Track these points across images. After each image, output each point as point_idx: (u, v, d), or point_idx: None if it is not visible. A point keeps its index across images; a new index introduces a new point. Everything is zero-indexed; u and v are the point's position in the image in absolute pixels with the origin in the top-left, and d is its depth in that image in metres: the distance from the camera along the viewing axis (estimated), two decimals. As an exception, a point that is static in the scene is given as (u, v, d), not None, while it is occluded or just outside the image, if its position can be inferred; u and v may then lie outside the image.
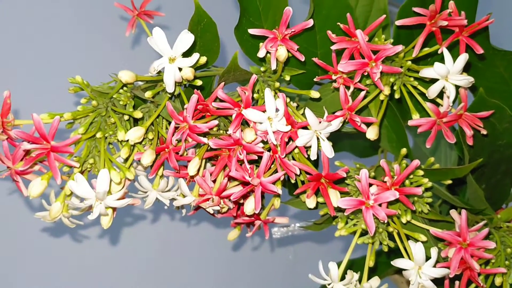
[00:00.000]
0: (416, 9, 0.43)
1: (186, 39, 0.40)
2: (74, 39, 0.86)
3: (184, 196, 0.48)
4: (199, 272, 0.97)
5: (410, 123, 0.44)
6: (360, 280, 0.46)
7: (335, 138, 0.44)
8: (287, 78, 0.48)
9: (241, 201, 0.51)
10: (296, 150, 0.45)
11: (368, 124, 0.45)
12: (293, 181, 0.45)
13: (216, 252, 0.99)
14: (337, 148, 0.66)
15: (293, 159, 0.46)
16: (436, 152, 0.65)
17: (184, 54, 0.41)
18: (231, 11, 0.73)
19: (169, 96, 0.46)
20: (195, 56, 0.41)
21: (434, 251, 0.41)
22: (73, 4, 0.86)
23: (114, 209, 0.45)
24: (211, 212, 0.49)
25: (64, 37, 0.85)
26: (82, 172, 0.44)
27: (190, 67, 0.41)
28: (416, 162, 0.42)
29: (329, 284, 0.44)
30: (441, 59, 0.42)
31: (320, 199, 0.45)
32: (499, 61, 0.52)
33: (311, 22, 0.43)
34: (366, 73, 0.43)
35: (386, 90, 0.44)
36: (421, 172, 0.45)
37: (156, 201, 0.50)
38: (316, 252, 1.05)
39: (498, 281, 0.45)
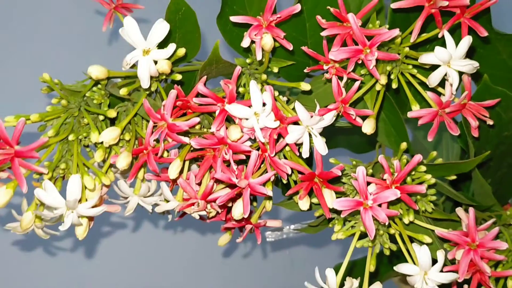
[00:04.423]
0: (413, -10, 0.39)
1: (161, 28, 0.36)
2: (47, 35, 0.81)
3: (167, 201, 0.44)
4: (188, 284, 0.91)
5: (409, 114, 0.41)
6: (360, 286, 0.42)
7: (329, 133, 0.41)
8: (275, 70, 0.44)
9: (230, 204, 0.48)
10: (287, 148, 0.42)
11: (364, 118, 0.42)
12: (285, 181, 0.42)
13: (206, 261, 0.93)
14: (332, 144, 0.63)
15: (285, 157, 0.42)
16: (438, 146, 0.62)
17: (160, 45, 0.38)
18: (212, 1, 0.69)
19: (148, 93, 0.42)
20: (172, 46, 0.37)
21: (441, 254, 0.37)
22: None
23: (90, 218, 0.41)
24: (197, 217, 0.46)
25: (37, 33, 0.80)
26: (54, 179, 0.41)
27: (166, 59, 0.38)
28: (418, 157, 0.38)
29: (326, 293, 0.41)
30: (441, 45, 0.39)
31: (315, 200, 0.42)
32: (502, 47, 0.49)
33: (298, 7, 0.39)
34: (360, 62, 0.39)
35: (383, 79, 0.40)
36: (423, 168, 0.41)
37: (138, 207, 0.47)
38: (313, 256, 1.00)
39: (511, 284, 0.42)
